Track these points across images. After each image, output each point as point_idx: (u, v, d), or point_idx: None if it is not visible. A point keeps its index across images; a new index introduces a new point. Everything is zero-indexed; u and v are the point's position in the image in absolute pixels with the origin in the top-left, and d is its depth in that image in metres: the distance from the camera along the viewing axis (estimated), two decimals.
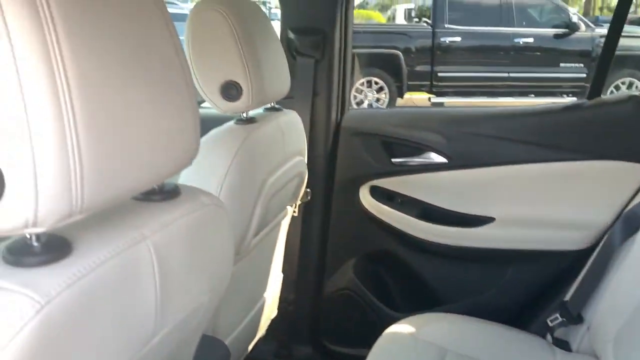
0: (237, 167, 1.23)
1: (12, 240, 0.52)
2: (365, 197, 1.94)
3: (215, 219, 0.79)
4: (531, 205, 1.82)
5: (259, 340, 1.82)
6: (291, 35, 1.78)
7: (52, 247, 0.52)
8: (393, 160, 1.91)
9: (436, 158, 1.88)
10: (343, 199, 1.96)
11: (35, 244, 0.51)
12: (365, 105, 8.24)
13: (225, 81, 1.22)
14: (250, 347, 1.76)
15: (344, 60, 1.88)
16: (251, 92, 1.23)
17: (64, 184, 0.47)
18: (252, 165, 1.30)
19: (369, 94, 8.17)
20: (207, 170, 1.24)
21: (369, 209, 1.95)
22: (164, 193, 0.72)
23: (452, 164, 1.86)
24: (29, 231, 0.49)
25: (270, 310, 1.80)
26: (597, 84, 1.79)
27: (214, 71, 1.23)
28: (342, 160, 1.92)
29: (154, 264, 0.63)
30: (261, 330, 1.80)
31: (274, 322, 1.89)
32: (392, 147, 1.91)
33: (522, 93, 8.15)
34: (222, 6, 1.21)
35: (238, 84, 1.22)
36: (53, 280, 0.49)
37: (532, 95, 8.15)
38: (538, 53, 8.09)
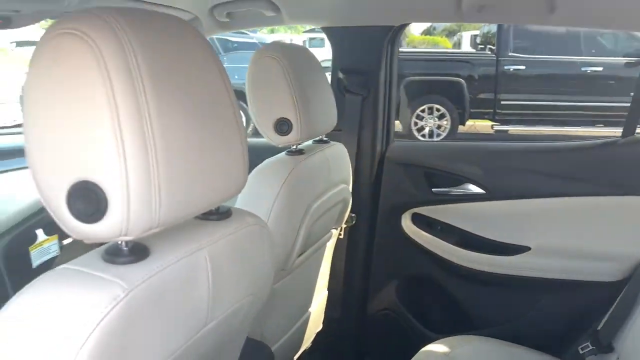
0: (285, 194, 1.42)
1: (109, 244, 0.72)
2: (406, 223, 2.08)
3: (258, 236, 0.98)
4: (566, 237, 1.90)
5: (304, 353, 1.99)
6: (341, 75, 1.98)
7: (136, 251, 0.72)
8: (434, 190, 2.05)
9: (474, 189, 2.00)
10: (386, 225, 2.12)
11: (124, 248, 0.71)
12: (426, 131, 8.32)
13: (278, 118, 1.42)
14: (295, 358, 1.92)
15: (389, 96, 2.06)
16: (300, 127, 1.43)
17: (147, 206, 0.67)
18: (299, 192, 1.48)
19: (430, 121, 8.26)
20: (259, 195, 1.43)
21: (410, 235, 2.09)
22: (219, 214, 0.91)
23: (490, 195, 1.98)
24: (121, 239, 0.69)
25: (315, 324, 1.96)
26: (631, 123, 1.87)
27: (269, 110, 1.44)
28: (386, 188, 2.08)
29: (208, 268, 0.82)
30: (306, 343, 1.97)
31: (319, 335, 2.06)
32: (433, 177, 2.05)
33: (591, 122, 7.97)
34: (277, 53, 1.42)
35: (289, 120, 1.42)
36: (136, 275, 0.69)
37: (602, 125, 7.96)
38: (607, 82, 7.92)
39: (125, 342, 0.67)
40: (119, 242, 0.70)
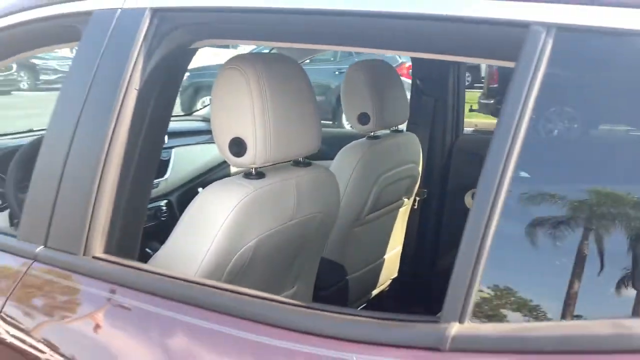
0: (361, 166, 2.08)
1: (245, 170, 1.43)
2: (469, 200, 2.62)
3: (326, 178, 1.65)
4: None
5: (380, 293, 2.60)
6: (417, 81, 2.60)
7: (258, 174, 1.42)
8: None
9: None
10: (454, 200, 2.67)
11: (253, 172, 1.42)
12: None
13: (361, 112, 2.07)
14: (372, 295, 2.55)
15: (458, 97, 2.62)
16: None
17: (265, 150, 1.36)
18: (371, 165, 2.13)
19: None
20: (343, 166, 2.10)
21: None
22: (304, 163, 1.60)
23: None
24: (250, 166, 1.41)
25: (389, 270, 2.58)
26: None
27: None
28: (454, 171, 2.64)
29: (294, 190, 1.51)
30: (381, 285, 2.59)
31: (393, 282, 2.67)
32: None
33: None
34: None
35: (366, 113, 2.05)
36: (257, 185, 1.39)
37: None
38: None
39: (246, 220, 1.37)
40: (250, 168, 1.42)
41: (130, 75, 1.18)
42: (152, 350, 1.04)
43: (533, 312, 0.88)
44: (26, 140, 2.20)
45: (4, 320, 1.18)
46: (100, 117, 1.18)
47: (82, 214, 1.16)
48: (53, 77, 12.56)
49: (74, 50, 1.31)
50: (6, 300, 1.18)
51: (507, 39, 0.92)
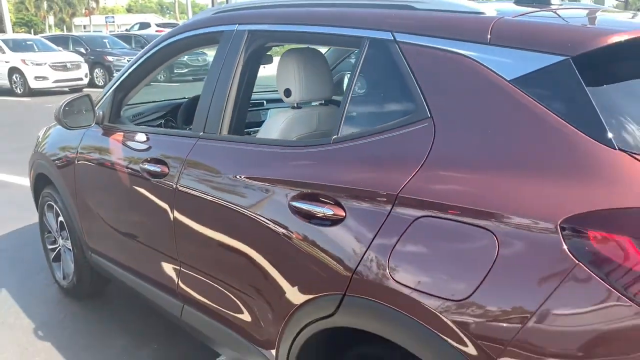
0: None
1: (291, 104, 2.27)
2: None
3: (336, 110, 2.37)
4: None
5: None
6: None
7: (298, 107, 2.29)
8: None
9: None
10: None
11: (295, 105, 2.29)
12: None
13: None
14: None
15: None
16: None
17: (300, 95, 2.23)
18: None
19: None
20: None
21: None
22: (324, 103, 2.36)
23: None
24: (294, 102, 2.25)
25: None
26: None
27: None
28: None
29: (317, 116, 2.33)
30: None
31: None
32: None
33: None
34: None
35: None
36: (296, 112, 2.30)
37: None
38: None
39: (290, 127, 2.16)
40: (294, 103, 2.20)
41: (239, 61, 2.18)
42: None
43: None
44: (183, 101, 3.29)
45: None
46: (226, 81, 2.19)
47: (220, 115, 2.17)
48: (185, 70, 15.63)
49: (215, 49, 2.33)
50: None
51: None
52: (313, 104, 2.45)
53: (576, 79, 1.27)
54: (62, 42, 18.06)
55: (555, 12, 1.67)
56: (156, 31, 26.07)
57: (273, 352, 1.85)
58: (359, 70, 1.72)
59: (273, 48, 2.79)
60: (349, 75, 2.89)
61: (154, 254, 2.42)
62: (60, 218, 3.23)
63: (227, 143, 2.11)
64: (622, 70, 1.41)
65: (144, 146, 2.47)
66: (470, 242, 1.30)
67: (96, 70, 17.19)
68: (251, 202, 1.87)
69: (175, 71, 15.53)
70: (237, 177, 1.95)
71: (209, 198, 2.03)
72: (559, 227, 1.17)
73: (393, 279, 1.40)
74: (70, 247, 3.19)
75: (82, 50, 17.69)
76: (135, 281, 2.63)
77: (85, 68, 15.96)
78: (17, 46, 15.82)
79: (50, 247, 3.48)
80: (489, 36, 1.43)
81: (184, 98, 3.36)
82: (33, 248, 3.93)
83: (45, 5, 74.41)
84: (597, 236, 1.14)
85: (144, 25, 30.35)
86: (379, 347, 1.57)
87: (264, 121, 3.10)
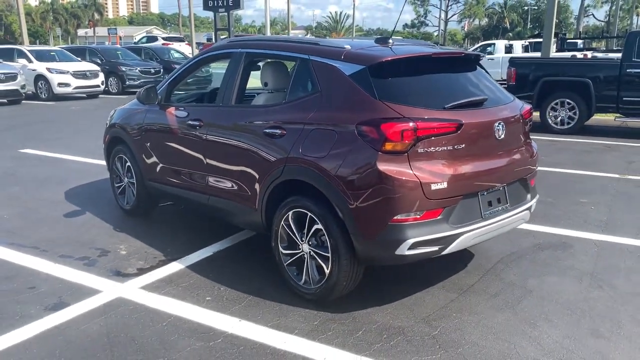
0: None
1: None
2: None
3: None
4: None
5: None
6: None
7: None
8: None
9: None
10: None
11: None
12: (558, 120, 10.47)
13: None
14: None
15: None
16: None
17: None
18: None
19: (562, 112, 10.39)
20: None
21: None
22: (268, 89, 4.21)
23: None
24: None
25: None
26: None
27: None
28: None
29: None
30: None
31: None
32: None
33: None
34: None
35: None
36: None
37: None
38: None
39: None
40: (269, 89, 4.10)
41: (240, 68, 4.14)
42: None
43: None
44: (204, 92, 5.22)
45: None
46: (234, 77, 4.15)
47: (231, 94, 4.15)
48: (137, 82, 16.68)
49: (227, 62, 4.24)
50: None
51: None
52: (277, 89, 4.31)
53: (368, 75, 3.29)
54: (80, 53, 20.15)
55: (382, 46, 3.67)
56: (162, 44, 28.35)
57: (256, 204, 3.82)
58: (294, 73, 3.74)
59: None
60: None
61: (192, 173, 4.42)
62: (128, 164, 5.22)
63: (235, 107, 4.10)
64: (389, 72, 3.39)
65: (185, 114, 4.47)
66: (329, 137, 3.31)
67: (110, 78, 19.28)
68: (245, 134, 3.86)
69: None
70: (238, 123, 3.96)
71: (226, 134, 4.02)
72: (355, 125, 3.17)
73: (302, 154, 3.40)
74: (134, 182, 5.18)
75: (98, 60, 19.75)
76: (179, 191, 4.63)
77: (101, 77, 18.01)
78: (41, 56, 17.88)
79: (117, 185, 5.48)
80: (342, 57, 3.45)
81: (203, 91, 5.46)
82: (98, 191, 5.97)
83: (51, 17, 76.75)
84: (371, 128, 3.13)
85: (151, 39, 32.65)
86: (299, 194, 3.55)
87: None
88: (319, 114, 3.42)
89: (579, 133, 10.27)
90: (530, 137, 3.97)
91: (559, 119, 10.49)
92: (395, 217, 3.08)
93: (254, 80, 4.57)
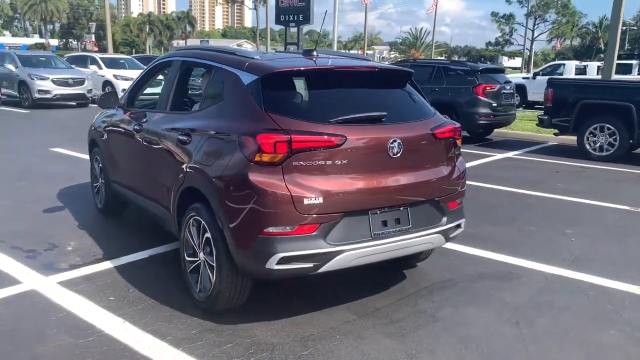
0: None
1: None
2: None
3: None
4: None
5: None
6: None
7: None
8: None
9: None
10: None
11: None
12: (597, 146, 9.78)
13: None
14: None
15: None
16: None
17: None
18: None
19: (601, 138, 9.70)
20: None
21: None
22: None
23: None
24: None
25: None
26: None
27: None
28: None
29: None
30: None
31: None
32: None
33: None
34: None
35: None
36: None
37: None
38: None
39: None
40: None
41: (177, 74, 4.28)
42: None
43: None
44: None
45: None
46: (172, 82, 4.24)
47: (167, 99, 4.24)
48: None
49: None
50: None
51: None
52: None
53: (259, 86, 3.25)
54: (148, 62, 21.33)
55: (306, 58, 3.62)
56: None
57: (170, 207, 3.87)
58: (209, 82, 3.78)
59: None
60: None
61: (136, 176, 4.56)
62: (100, 164, 5.46)
63: (166, 113, 4.18)
64: (282, 84, 3.33)
65: (132, 118, 4.62)
66: (219, 146, 3.31)
67: None
68: (166, 140, 3.93)
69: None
70: (163, 129, 4.04)
71: (154, 140, 4.12)
72: (237, 136, 3.14)
73: (198, 161, 3.42)
74: (104, 182, 5.41)
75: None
76: (129, 194, 4.78)
77: None
78: (112, 63, 19.12)
79: (94, 184, 5.74)
80: (245, 67, 3.44)
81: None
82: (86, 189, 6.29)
83: (147, 28, 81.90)
84: (248, 139, 3.10)
85: None
86: (198, 201, 3.55)
87: None
88: (217, 122, 3.43)
89: (620, 161, 9.51)
90: (457, 157, 3.74)
91: (597, 144, 9.79)
92: (265, 230, 3.02)
93: None
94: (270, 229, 3.01)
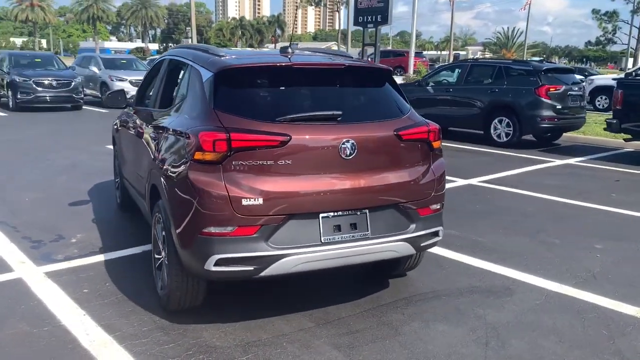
0: None
1: None
2: None
3: None
4: None
5: None
6: None
7: None
8: None
9: None
10: None
11: None
12: None
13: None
14: None
15: None
16: None
17: None
18: None
19: None
20: None
21: None
22: None
23: None
24: None
25: None
26: None
27: None
28: None
29: None
30: None
31: None
32: None
33: None
34: None
35: None
36: None
37: None
38: None
39: None
40: None
41: (165, 71, 4.23)
42: None
43: None
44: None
45: None
46: (161, 81, 4.23)
47: (156, 98, 4.28)
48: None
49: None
50: None
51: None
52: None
53: (213, 83, 3.19)
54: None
55: (282, 56, 3.49)
56: None
57: (146, 198, 3.89)
58: (182, 79, 3.78)
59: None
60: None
61: (131, 172, 4.68)
62: (117, 161, 5.66)
63: (152, 110, 4.22)
64: (236, 81, 3.23)
65: (138, 115, 4.73)
66: (173, 142, 3.28)
67: None
68: (147, 137, 3.96)
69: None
70: (147, 126, 4.08)
71: (140, 136, 4.19)
72: (190, 134, 3.08)
73: (156, 159, 3.44)
74: (119, 178, 5.60)
75: None
76: (130, 187, 4.91)
77: None
78: (111, 64, 18.30)
79: (116, 180, 5.96)
80: (206, 64, 3.38)
81: None
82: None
83: (239, 32, 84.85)
84: (190, 136, 3.04)
85: None
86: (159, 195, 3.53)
87: None
88: (178, 120, 3.41)
89: None
90: (433, 160, 3.46)
91: None
92: (204, 230, 2.95)
93: None
94: (210, 229, 2.94)
